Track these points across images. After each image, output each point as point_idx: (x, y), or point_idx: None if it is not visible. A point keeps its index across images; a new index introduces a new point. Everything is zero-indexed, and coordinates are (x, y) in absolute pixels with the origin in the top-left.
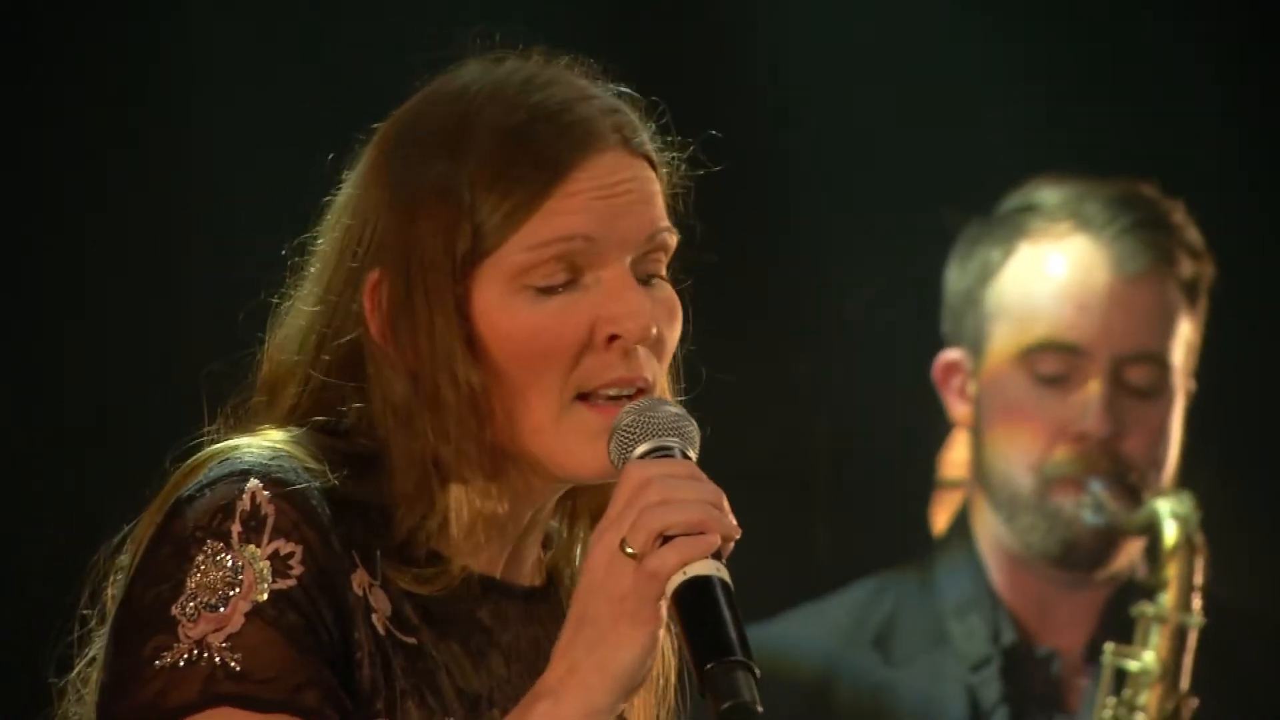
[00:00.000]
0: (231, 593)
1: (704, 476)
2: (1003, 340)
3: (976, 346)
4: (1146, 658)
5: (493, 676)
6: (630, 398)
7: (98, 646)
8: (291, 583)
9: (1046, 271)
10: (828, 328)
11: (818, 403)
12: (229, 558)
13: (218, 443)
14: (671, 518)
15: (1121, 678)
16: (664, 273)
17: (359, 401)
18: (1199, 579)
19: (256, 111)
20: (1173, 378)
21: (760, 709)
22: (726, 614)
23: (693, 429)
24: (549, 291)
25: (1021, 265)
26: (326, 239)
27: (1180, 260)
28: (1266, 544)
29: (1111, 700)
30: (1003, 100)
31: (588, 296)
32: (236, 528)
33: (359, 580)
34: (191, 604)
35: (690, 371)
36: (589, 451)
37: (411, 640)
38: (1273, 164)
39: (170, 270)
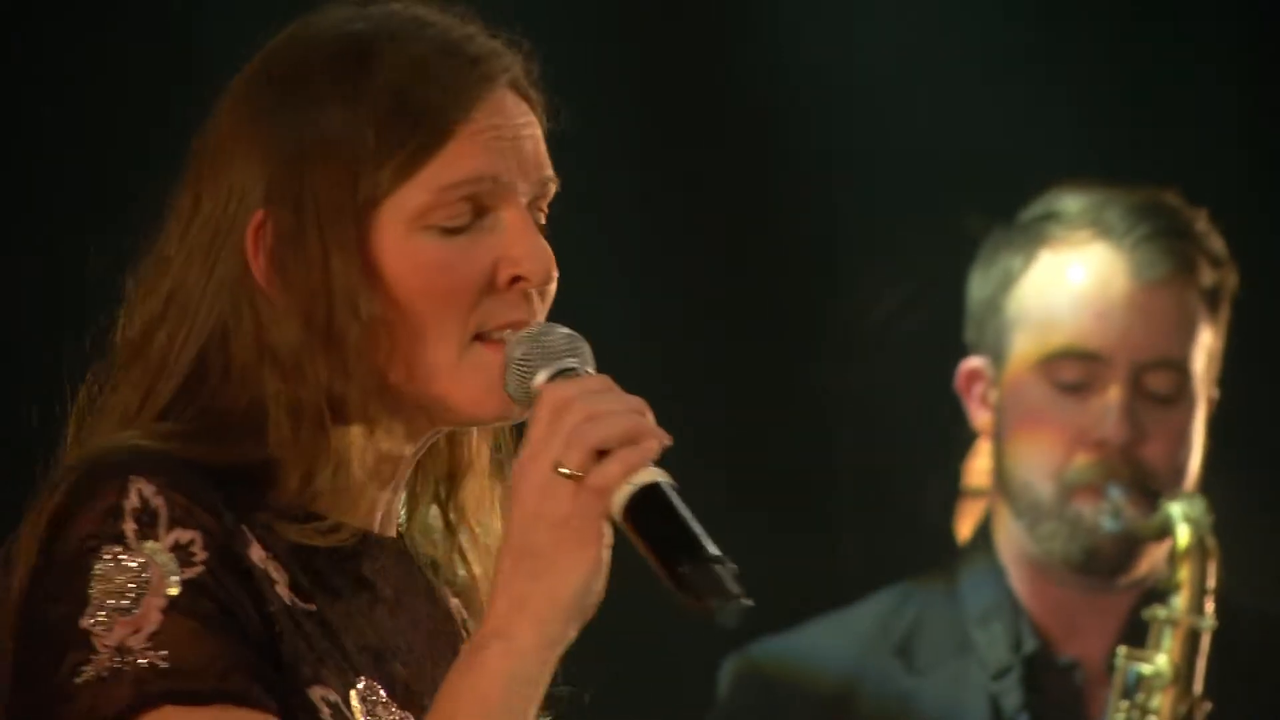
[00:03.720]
0: (141, 592)
1: (619, 388)
2: (1023, 348)
3: (998, 354)
4: (1159, 661)
5: (384, 630)
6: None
7: None
8: (199, 569)
9: (1067, 279)
10: (852, 336)
11: (842, 411)
12: (129, 558)
13: (72, 452)
14: (604, 431)
15: (1136, 681)
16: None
17: (219, 362)
18: (1212, 582)
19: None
20: (1193, 385)
21: (749, 601)
22: (686, 515)
23: (586, 347)
24: (453, 231)
25: (1042, 273)
26: (186, 196)
27: (1201, 268)
28: (1274, 544)
29: (1124, 704)
30: (1030, 107)
31: (489, 237)
32: (130, 526)
33: (256, 554)
34: (101, 613)
35: (713, 379)
36: (488, 391)
37: (312, 606)
38: None
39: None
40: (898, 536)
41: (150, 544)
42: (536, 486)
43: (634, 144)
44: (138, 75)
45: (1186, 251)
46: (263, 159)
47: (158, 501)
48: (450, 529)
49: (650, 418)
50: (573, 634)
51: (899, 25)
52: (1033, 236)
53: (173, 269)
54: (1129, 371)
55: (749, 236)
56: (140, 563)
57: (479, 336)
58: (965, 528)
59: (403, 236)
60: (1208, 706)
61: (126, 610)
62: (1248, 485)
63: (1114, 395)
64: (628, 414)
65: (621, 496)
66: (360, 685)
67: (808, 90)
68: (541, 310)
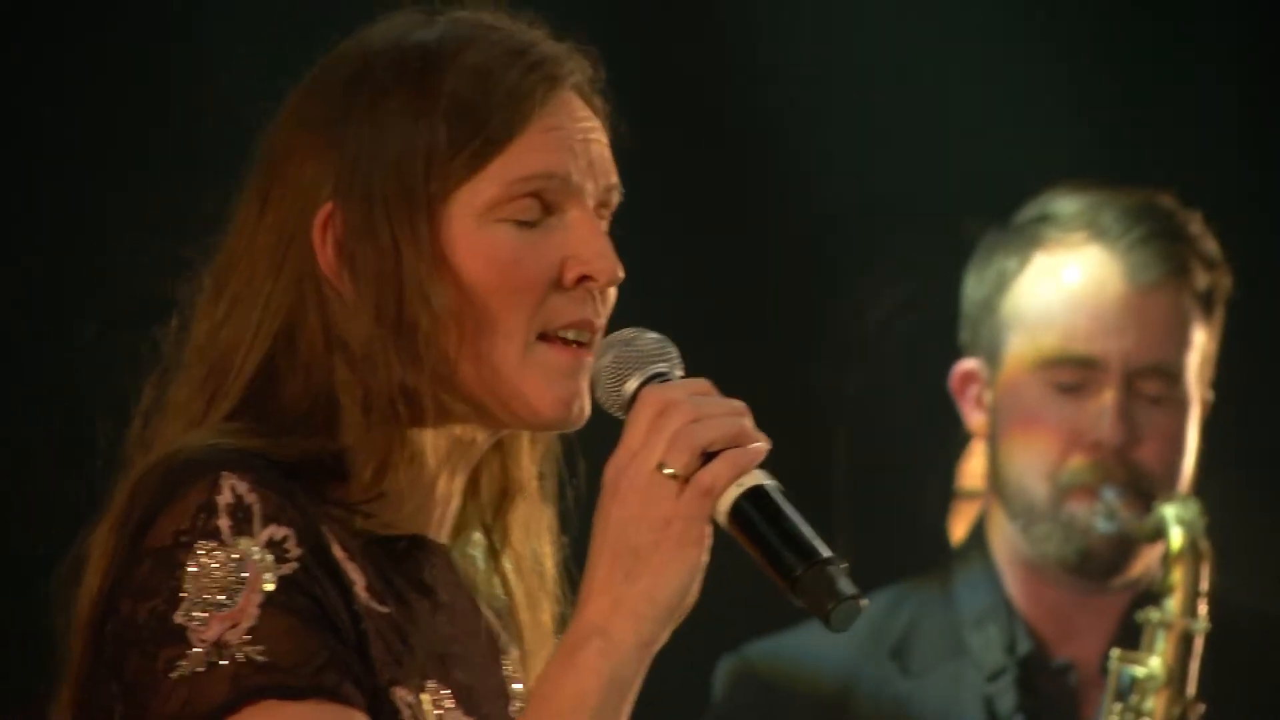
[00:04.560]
0: (238, 588)
1: (718, 391)
2: (1018, 350)
3: (993, 356)
4: (1153, 663)
5: (445, 636)
6: (585, 344)
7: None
8: (294, 565)
9: (1061, 281)
10: (849, 337)
11: (839, 412)
12: (224, 554)
13: (149, 450)
14: (711, 433)
15: (1130, 684)
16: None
17: (289, 358)
18: (1205, 584)
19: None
20: (1187, 388)
21: (865, 601)
22: (795, 517)
23: (675, 351)
24: (521, 226)
25: (1037, 275)
26: (251, 198)
27: (1195, 270)
28: (1271, 545)
29: (1118, 706)
30: (1027, 109)
31: (557, 236)
32: (225, 522)
33: (337, 552)
34: (196, 608)
35: (711, 379)
36: (553, 391)
37: (386, 608)
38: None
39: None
40: (893, 538)
41: (245, 540)
42: (638, 487)
43: (632, 145)
44: (137, 75)
45: (1181, 254)
46: (332, 156)
47: (251, 498)
48: (494, 551)
49: (751, 420)
50: (666, 635)
51: (898, 26)
52: (1028, 238)
53: (239, 268)
54: (1123, 374)
55: (747, 238)
56: (235, 558)
57: (543, 336)
58: (959, 530)
59: (472, 229)
60: (1201, 708)
61: (222, 606)
62: (1242, 487)
63: (1108, 397)
64: (732, 416)
65: (729, 499)
66: (430, 689)
67: (806, 91)
68: (604, 313)
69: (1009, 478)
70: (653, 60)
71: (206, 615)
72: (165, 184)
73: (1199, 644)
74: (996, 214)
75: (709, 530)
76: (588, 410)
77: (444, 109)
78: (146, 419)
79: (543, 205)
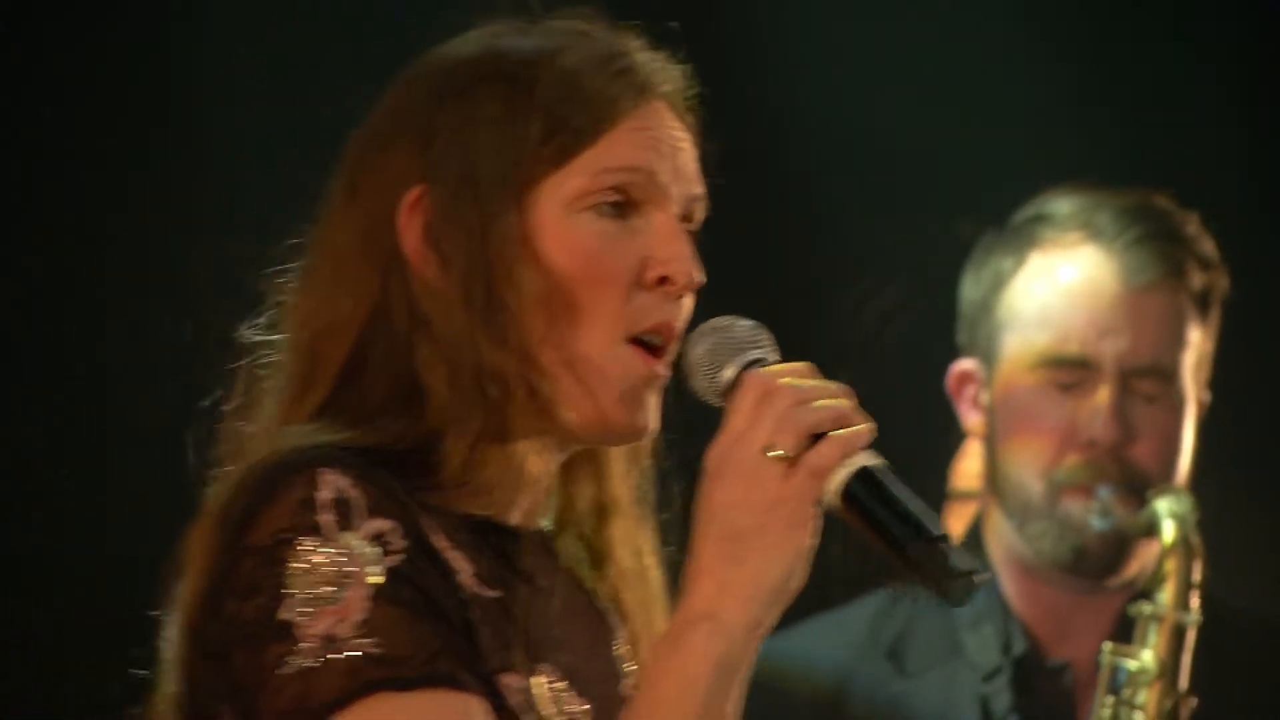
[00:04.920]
0: (345, 582)
1: (819, 373)
2: (1014, 350)
3: (989, 356)
4: (1145, 656)
5: (549, 620)
6: (661, 348)
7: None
8: (400, 557)
9: (1057, 281)
10: (843, 338)
11: None
12: (328, 548)
13: (244, 445)
14: (817, 415)
15: (1123, 677)
16: None
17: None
18: (1197, 577)
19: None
20: (1183, 388)
21: (984, 575)
22: (906, 496)
23: (768, 336)
24: (605, 219)
25: (1032, 275)
26: (339, 191)
27: (1191, 271)
28: (1265, 544)
29: (1110, 699)
30: (1024, 110)
31: (640, 235)
32: (327, 517)
33: (439, 541)
34: (303, 604)
35: None
36: (624, 402)
37: (494, 593)
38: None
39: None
40: None
41: (348, 534)
42: (744, 471)
43: None
44: (138, 75)
45: (1177, 255)
46: (421, 146)
47: (353, 493)
48: (597, 562)
49: (855, 402)
50: (773, 618)
51: (895, 27)
52: (1024, 239)
53: (328, 258)
54: (1119, 374)
55: (742, 238)
56: (340, 553)
57: (631, 340)
58: (955, 530)
59: (558, 217)
60: (1193, 702)
61: (330, 600)
62: (1238, 487)
63: (1104, 397)
64: (836, 398)
65: (838, 480)
66: (541, 673)
67: (803, 92)
68: (683, 317)
69: (1005, 477)
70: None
71: (313, 610)
72: (165, 184)
73: (1191, 637)
74: (993, 215)
75: (816, 512)
76: (654, 427)
77: (535, 105)
78: (237, 415)
79: (628, 202)
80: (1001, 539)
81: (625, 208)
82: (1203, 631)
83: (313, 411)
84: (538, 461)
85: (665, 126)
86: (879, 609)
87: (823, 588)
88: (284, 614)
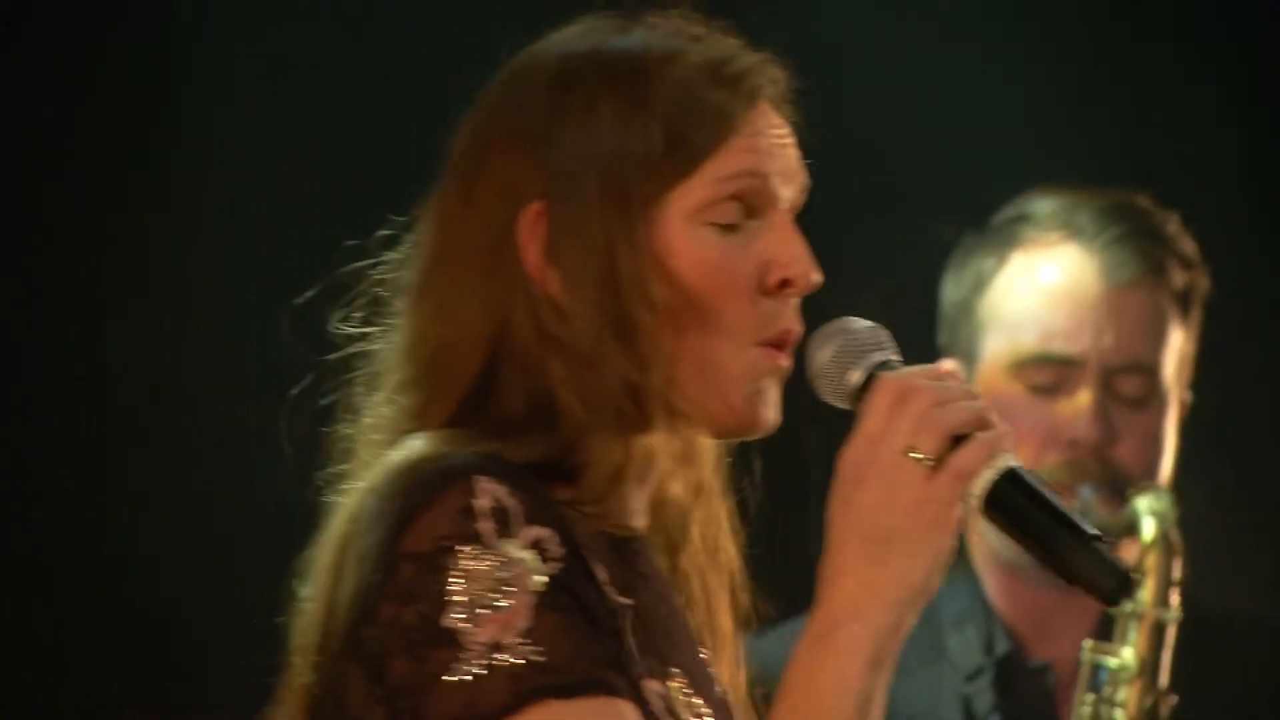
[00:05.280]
0: (508, 589)
1: (952, 374)
2: (995, 350)
3: (971, 357)
4: (1125, 654)
5: (669, 624)
6: (786, 352)
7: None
8: (559, 565)
9: (1038, 281)
10: None
11: (814, 412)
12: (488, 556)
13: (358, 451)
14: (959, 416)
15: (1104, 675)
16: None
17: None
18: (1177, 574)
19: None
20: (1164, 387)
21: (1138, 575)
22: (1054, 497)
23: (889, 337)
24: (725, 229)
25: (1013, 275)
26: (452, 198)
27: (1172, 270)
28: (1249, 544)
29: (1090, 697)
30: (1008, 111)
31: (758, 240)
32: (488, 525)
33: (584, 551)
34: (466, 611)
35: None
36: (756, 401)
37: (630, 600)
38: (1274, 175)
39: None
40: None
41: (508, 542)
42: (885, 472)
43: None
44: (138, 75)
45: (1157, 253)
46: (539, 156)
47: (510, 501)
48: (673, 549)
49: (988, 403)
50: (914, 619)
51: (877, 28)
52: (1004, 239)
53: (447, 266)
54: (1100, 373)
55: None
56: (501, 561)
57: (757, 343)
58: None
59: (682, 230)
60: (1173, 699)
61: (492, 607)
62: (1213, 482)
63: (1085, 397)
64: (972, 399)
65: (983, 481)
66: (674, 676)
67: (801, 91)
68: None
69: None
70: None
71: (477, 617)
72: (165, 184)
73: (1171, 634)
74: (975, 215)
75: (958, 513)
76: (777, 420)
77: (653, 114)
78: (359, 425)
79: (745, 209)
80: (983, 539)
81: (743, 214)
82: (1183, 629)
83: (441, 421)
84: (661, 463)
85: (772, 127)
86: None
87: (805, 589)
88: (447, 621)
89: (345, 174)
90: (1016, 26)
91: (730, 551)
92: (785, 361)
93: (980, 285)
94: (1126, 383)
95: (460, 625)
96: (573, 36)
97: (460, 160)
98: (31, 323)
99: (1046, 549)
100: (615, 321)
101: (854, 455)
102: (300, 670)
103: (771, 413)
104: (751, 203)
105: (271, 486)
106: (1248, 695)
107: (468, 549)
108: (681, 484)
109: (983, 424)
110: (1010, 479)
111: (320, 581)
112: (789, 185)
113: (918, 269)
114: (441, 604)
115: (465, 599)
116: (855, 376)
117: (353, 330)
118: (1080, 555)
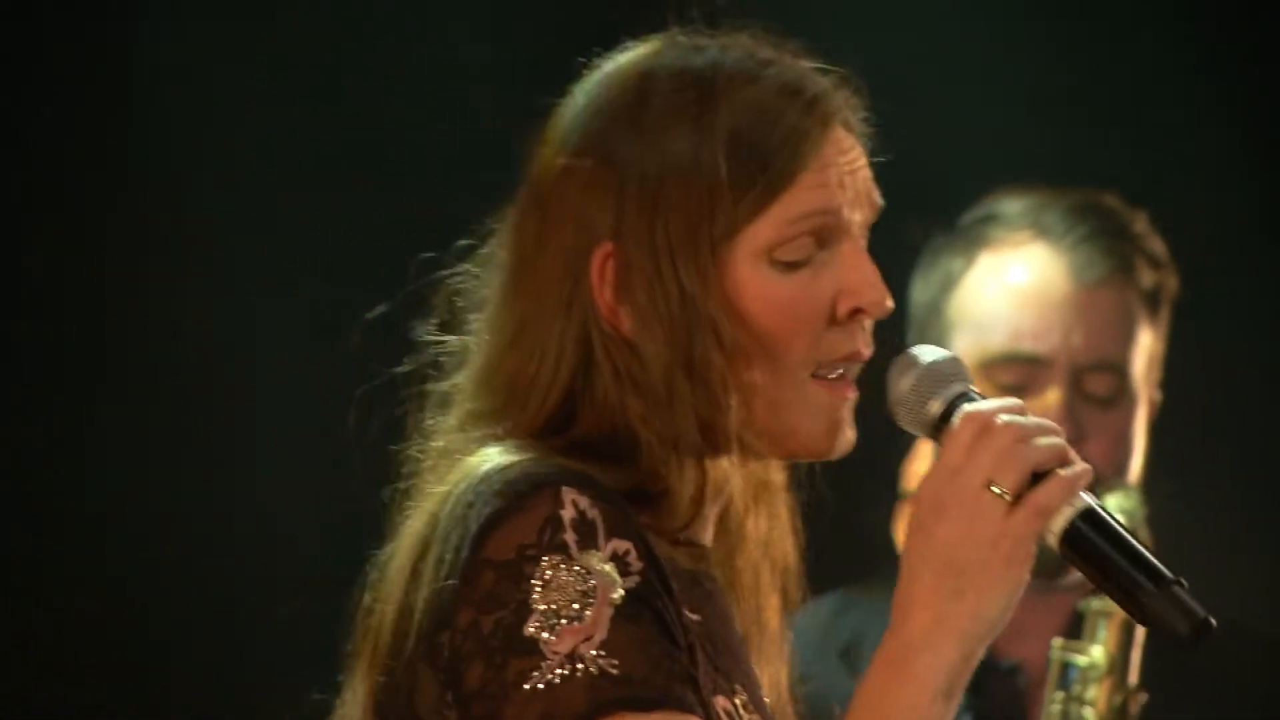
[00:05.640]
0: (589, 601)
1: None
2: (964, 350)
3: None
4: (1095, 652)
5: (732, 643)
6: (850, 376)
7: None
8: (638, 579)
9: (1006, 280)
10: None
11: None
12: (572, 567)
13: (430, 460)
14: (1040, 454)
15: (1073, 673)
16: None
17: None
18: None
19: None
20: (1133, 386)
21: (1214, 621)
22: (1133, 538)
23: (966, 368)
24: (794, 266)
25: (982, 275)
26: (527, 226)
27: (1140, 269)
28: (1218, 543)
29: (1060, 695)
30: (976, 111)
31: (828, 271)
32: (571, 536)
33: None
34: (547, 620)
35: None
36: (823, 427)
37: (699, 618)
38: (1241, 175)
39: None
40: (839, 541)
41: (591, 554)
42: (964, 505)
43: None
44: (137, 76)
45: (1125, 252)
46: (611, 190)
47: (594, 513)
48: (731, 546)
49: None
50: (983, 651)
51: (845, 29)
52: (973, 239)
53: (525, 292)
54: (1069, 373)
55: None
56: (583, 572)
57: (814, 374)
58: (904, 532)
59: (750, 271)
60: (1143, 698)
61: (574, 618)
62: (1183, 483)
63: (1054, 396)
64: (1053, 436)
65: (1062, 519)
66: (738, 693)
67: None
68: (870, 341)
69: None
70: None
71: (558, 627)
72: (165, 184)
73: (1140, 632)
74: (943, 216)
75: (1035, 550)
76: (854, 439)
77: (723, 148)
78: (417, 426)
79: (816, 241)
80: None
81: (815, 248)
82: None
83: (523, 440)
84: (735, 482)
85: (844, 154)
86: (831, 612)
87: (816, 575)
88: (528, 629)
89: (345, 174)
90: (982, 28)
91: (786, 548)
92: (852, 394)
93: (949, 285)
94: (1095, 382)
95: (539, 634)
96: (647, 56)
97: (539, 182)
98: (31, 323)
99: (1125, 594)
100: (686, 362)
101: (934, 486)
102: (367, 672)
103: (847, 437)
104: (824, 236)
105: (272, 487)
106: (1217, 693)
107: (552, 559)
108: (743, 480)
109: (1063, 461)
110: (1089, 518)
111: (394, 584)
112: (860, 209)
113: (887, 270)
114: (524, 613)
115: (545, 608)
116: (935, 407)
117: (429, 339)
118: (1159, 601)
